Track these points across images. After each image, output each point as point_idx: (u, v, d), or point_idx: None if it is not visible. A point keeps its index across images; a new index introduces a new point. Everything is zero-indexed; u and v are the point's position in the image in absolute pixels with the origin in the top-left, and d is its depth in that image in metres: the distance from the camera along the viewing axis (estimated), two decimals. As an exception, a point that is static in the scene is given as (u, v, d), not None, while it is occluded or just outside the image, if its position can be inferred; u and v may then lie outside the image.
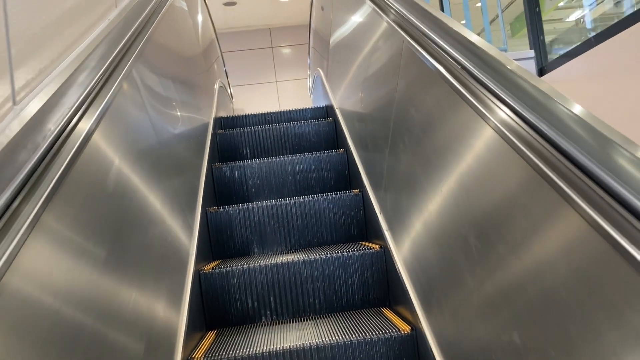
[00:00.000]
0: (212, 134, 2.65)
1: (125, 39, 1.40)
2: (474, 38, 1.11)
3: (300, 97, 7.45)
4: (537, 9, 3.35)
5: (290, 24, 7.66)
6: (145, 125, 1.42)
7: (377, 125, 1.89)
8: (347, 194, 2.16)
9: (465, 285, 1.06)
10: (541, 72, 3.22)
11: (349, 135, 2.50)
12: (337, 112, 2.77)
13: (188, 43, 2.63)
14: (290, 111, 3.29)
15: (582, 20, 4.93)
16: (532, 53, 3.26)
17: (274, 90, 7.82)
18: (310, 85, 4.75)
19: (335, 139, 2.86)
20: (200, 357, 1.43)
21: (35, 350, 0.65)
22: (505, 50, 3.75)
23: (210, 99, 3.12)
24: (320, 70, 3.70)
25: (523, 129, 0.86)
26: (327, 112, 3.19)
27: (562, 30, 5.14)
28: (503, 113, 0.93)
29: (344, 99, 2.66)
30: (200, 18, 3.50)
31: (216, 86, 3.62)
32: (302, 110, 3.31)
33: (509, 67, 0.96)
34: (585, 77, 2.69)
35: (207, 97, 2.96)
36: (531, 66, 3.22)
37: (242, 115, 3.28)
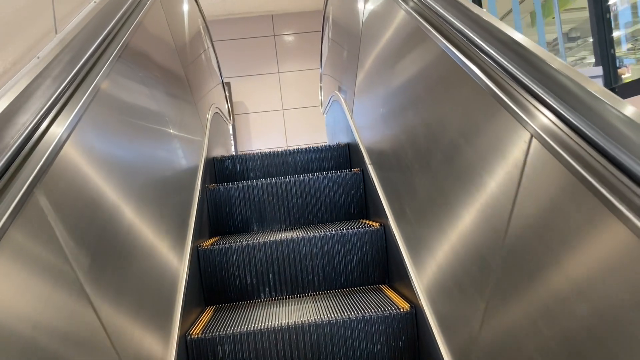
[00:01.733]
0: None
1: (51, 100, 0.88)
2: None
3: (305, 90, 7.03)
4: (608, 16, 2.67)
5: (294, 10, 7.22)
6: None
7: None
8: (348, 172, 2.14)
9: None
10: (611, 94, 2.67)
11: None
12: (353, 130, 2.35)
13: (167, 84, 1.77)
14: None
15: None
16: (599, 70, 2.71)
17: (276, 82, 7.32)
18: (322, 99, 4.18)
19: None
20: (198, 333, 1.42)
21: None
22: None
23: (199, 146, 2.23)
24: (340, 94, 2.90)
25: (565, 133, 0.73)
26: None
27: (582, 20, 4.94)
28: (542, 116, 0.80)
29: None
30: (187, 41, 2.50)
31: (208, 115, 2.69)
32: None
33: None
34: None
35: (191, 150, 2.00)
36: (597, 87, 2.74)
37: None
